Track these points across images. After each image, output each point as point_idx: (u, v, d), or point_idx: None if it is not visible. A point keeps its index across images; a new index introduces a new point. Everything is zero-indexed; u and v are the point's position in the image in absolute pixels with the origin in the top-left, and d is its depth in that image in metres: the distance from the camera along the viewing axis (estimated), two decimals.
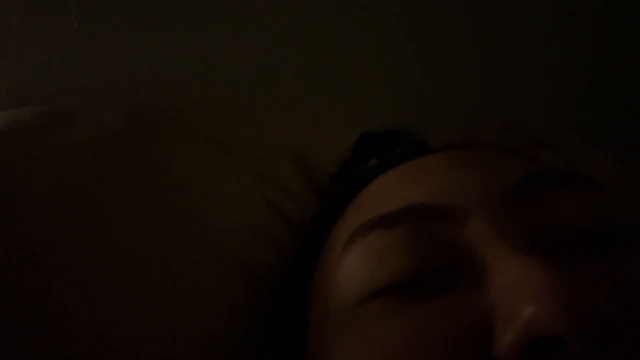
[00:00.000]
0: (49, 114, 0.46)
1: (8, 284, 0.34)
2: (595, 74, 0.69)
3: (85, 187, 0.39)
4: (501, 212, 0.29)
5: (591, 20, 0.69)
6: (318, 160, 0.46)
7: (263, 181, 0.44)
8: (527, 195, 0.30)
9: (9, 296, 0.33)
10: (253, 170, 0.44)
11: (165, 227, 0.39)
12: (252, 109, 0.57)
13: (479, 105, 0.65)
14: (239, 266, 0.39)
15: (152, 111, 0.49)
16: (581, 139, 0.62)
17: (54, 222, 0.37)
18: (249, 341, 0.37)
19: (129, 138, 0.44)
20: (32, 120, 0.44)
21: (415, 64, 0.66)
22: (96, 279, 0.36)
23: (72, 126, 0.43)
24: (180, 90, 0.61)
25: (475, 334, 0.25)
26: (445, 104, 0.65)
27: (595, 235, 0.29)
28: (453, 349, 0.25)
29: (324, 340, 0.31)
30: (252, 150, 0.46)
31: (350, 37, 0.65)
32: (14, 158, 0.40)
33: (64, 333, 0.33)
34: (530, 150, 0.41)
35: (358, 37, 0.66)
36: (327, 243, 0.35)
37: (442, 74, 0.66)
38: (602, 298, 0.24)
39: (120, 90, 0.61)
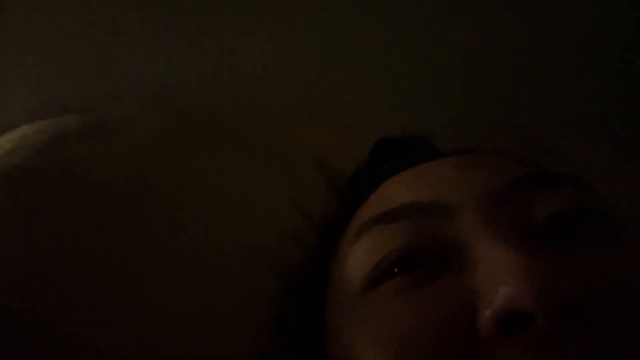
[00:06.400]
0: (95, 122, 0.48)
1: (73, 279, 0.38)
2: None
3: (131, 190, 0.43)
4: (490, 209, 0.33)
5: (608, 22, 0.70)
6: (339, 165, 0.50)
7: (290, 185, 0.48)
8: (515, 194, 0.34)
9: (77, 284, 0.38)
10: (281, 175, 0.48)
11: (206, 224, 0.43)
12: (278, 112, 0.60)
13: (492, 112, 0.68)
14: (270, 260, 0.43)
15: (190, 118, 0.52)
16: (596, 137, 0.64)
17: (100, 225, 0.41)
18: (277, 326, 0.41)
19: (172, 145, 0.47)
20: (79, 129, 0.47)
21: (430, 70, 0.68)
22: (145, 269, 0.40)
23: (117, 134, 0.47)
24: (215, 96, 0.65)
25: (465, 311, 0.30)
26: (459, 110, 0.67)
27: (572, 225, 0.33)
28: (447, 325, 0.30)
29: (336, 323, 0.36)
30: (280, 156, 0.50)
31: (369, 41, 0.68)
32: (61, 168, 0.42)
33: (118, 315, 0.37)
34: (535, 155, 0.45)
35: (376, 41, 0.68)
36: (341, 239, 0.40)
37: (456, 79, 0.69)
38: (571, 280, 0.28)
39: (158, 97, 0.64)
